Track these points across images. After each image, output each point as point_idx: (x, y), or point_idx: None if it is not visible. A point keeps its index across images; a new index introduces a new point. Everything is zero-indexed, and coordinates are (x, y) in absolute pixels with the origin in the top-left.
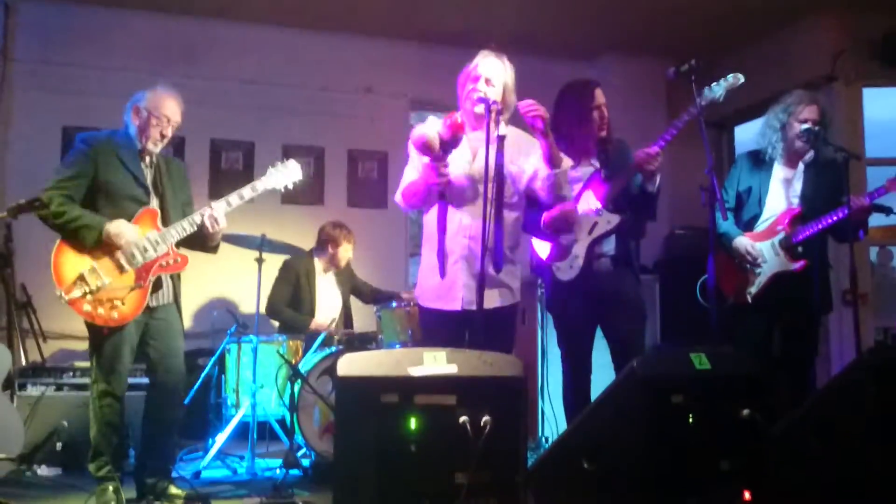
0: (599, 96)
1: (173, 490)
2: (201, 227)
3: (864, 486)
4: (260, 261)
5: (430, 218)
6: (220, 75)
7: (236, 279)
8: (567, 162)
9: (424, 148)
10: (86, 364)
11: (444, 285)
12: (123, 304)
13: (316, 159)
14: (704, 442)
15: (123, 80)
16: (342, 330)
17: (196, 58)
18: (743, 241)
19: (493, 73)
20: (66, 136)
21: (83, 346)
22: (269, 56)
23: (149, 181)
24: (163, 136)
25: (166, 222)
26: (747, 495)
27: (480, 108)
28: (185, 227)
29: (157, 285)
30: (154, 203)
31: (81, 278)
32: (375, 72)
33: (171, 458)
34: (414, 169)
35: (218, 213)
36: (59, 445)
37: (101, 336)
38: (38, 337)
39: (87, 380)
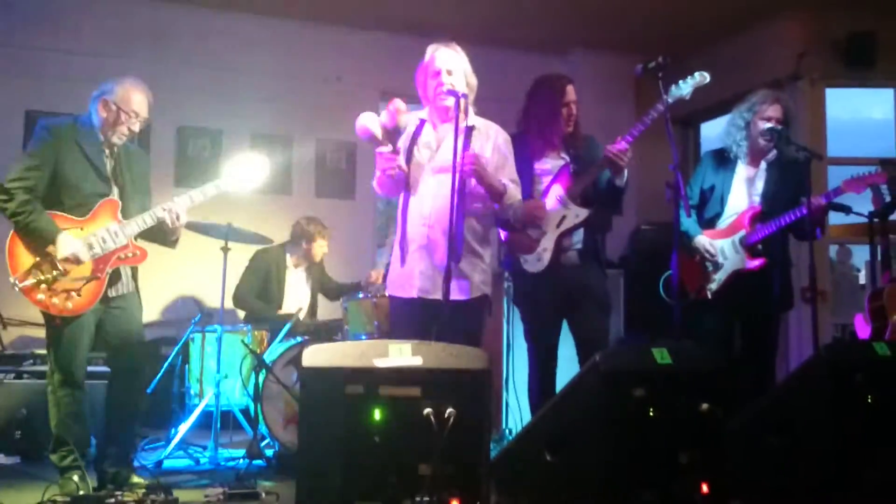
0: (570, 93)
1: (135, 479)
2: (161, 221)
3: (819, 479)
4: (226, 250)
5: (398, 208)
6: (187, 61)
7: (202, 268)
8: (514, 191)
9: (369, 139)
10: (45, 351)
11: (404, 273)
12: (79, 294)
13: (284, 148)
14: (664, 435)
15: (88, 64)
16: (309, 320)
17: (163, 43)
18: (702, 240)
19: (451, 63)
20: (28, 119)
21: (43, 333)
22: (237, 43)
23: (109, 171)
24: (130, 132)
25: (126, 214)
26: (705, 488)
27: (450, 102)
28: (145, 221)
29: (116, 277)
30: (114, 193)
31: (37, 266)
32: (345, 61)
33: (133, 446)
34: None
35: (180, 208)
36: (17, 433)
37: (56, 326)
38: None
39: (46, 367)
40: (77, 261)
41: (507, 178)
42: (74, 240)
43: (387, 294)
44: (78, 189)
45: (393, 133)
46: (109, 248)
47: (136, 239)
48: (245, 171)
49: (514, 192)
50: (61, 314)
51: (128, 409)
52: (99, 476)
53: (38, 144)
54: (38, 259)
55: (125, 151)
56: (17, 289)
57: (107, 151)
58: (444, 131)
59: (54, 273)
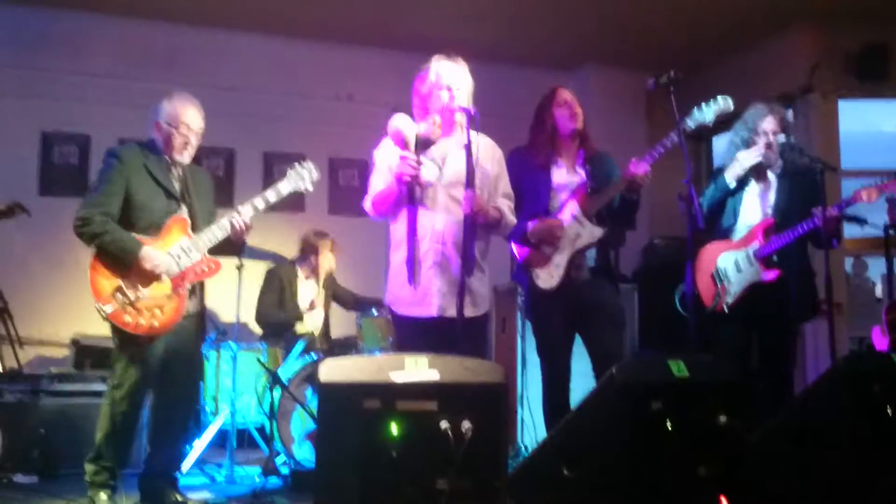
0: (562, 94)
1: (179, 497)
2: (230, 231)
3: (839, 492)
4: (240, 268)
5: (399, 224)
6: (200, 82)
7: (216, 286)
8: (508, 214)
9: (401, 141)
10: (63, 370)
11: (418, 292)
12: (163, 312)
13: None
14: (682, 448)
15: (103, 85)
16: (323, 339)
17: (176, 64)
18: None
19: (458, 79)
20: (45, 141)
21: (61, 352)
22: (249, 63)
23: (177, 191)
24: (187, 146)
25: (195, 230)
26: (724, 501)
27: (461, 117)
28: (215, 234)
29: (191, 293)
30: (183, 212)
31: (119, 290)
32: (357, 80)
33: (178, 463)
34: (381, 176)
35: (246, 217)
36: (35, 453)
37: (135, 344)
38: (15, 343)
39: (64, 386)
40: (168, 272)
41: (502, 193)
42: (162, 252)
43: (394, 312)
44: (149, 210)
45: (423, 145)
46: (185, 265)
47: (208, 252)
48: (299, 176)
49: (509, 215)
50: (150, 333)
51: (176, 423)
52: (142, 491)
53: (109, 171)
54: (119, 282)
55: (191, 171)
56: (103, 314)
57: (174, 172)
58: (444, 146)
59: (137, 294)
